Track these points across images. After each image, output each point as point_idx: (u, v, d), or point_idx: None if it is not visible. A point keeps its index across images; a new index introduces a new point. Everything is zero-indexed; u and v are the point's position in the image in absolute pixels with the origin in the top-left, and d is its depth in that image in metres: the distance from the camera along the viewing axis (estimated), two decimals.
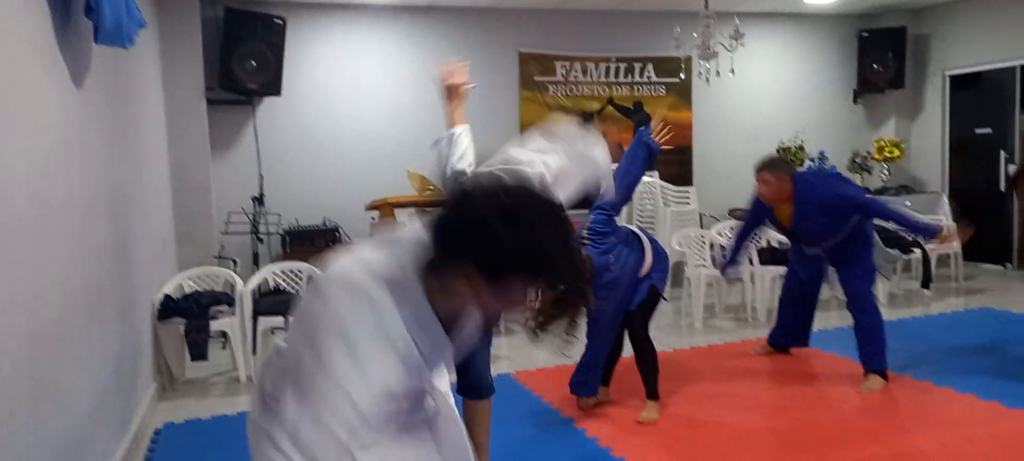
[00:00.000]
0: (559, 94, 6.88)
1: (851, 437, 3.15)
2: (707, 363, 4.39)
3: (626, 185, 3.35)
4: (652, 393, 3.49)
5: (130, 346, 3.46)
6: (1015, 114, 7.23)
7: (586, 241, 3.21)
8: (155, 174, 4.65)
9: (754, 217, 4.23)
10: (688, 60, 6.42)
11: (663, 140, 3.39)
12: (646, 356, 3.49)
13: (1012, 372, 3.95)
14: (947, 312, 5.56)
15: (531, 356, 4.58)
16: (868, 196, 4.36)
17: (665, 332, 5.21)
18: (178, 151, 5.31)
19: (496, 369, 4.31)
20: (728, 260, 4.40)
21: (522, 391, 3.95)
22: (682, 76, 6.78)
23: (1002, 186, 7.29)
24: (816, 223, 3.89)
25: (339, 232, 5.84)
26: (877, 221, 4.08)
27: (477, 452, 2.66)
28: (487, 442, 2.70)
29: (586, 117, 6.92)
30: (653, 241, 3.49)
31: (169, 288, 4.37)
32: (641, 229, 3.65)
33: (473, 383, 2.64)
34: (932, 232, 3.85)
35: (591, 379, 3.61)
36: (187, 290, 4.52)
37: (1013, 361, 4.18)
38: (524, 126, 6.75)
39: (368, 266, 1.30)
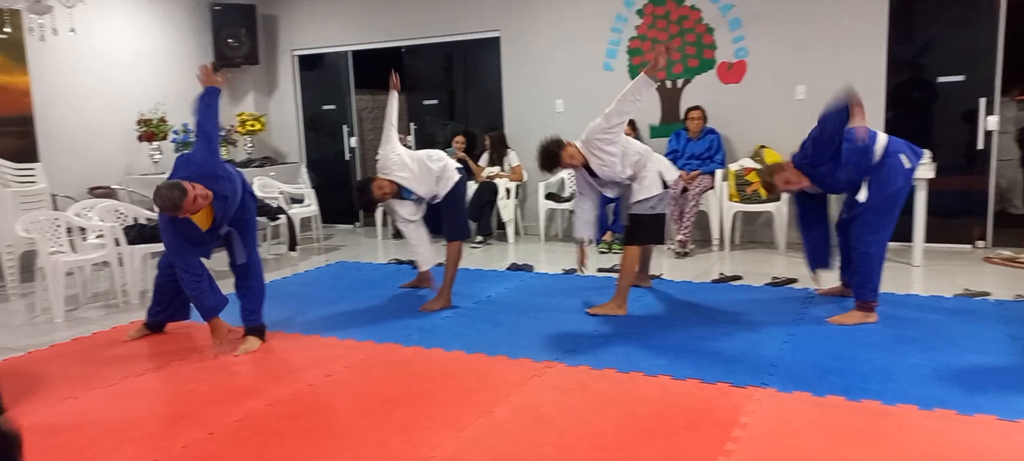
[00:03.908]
0: None
1: (233, 396, 3.21)
2: (72, 360, 3.87)
3: None
4: None
5: None
6: (350, 93, 8.47)
7: None
8: None
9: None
10: (16, 13, 5.45)
11: None
12: None
13: (356, 307, 4.64)
14: (312, 269, 6.19)
15: None
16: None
17: (18, 333, 4.41)
18: None
19: None
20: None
21: None
22: (9, 30, 5.71)
23: (347, 156, 8.47)
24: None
25: None
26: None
27: None
28: None
29: None
30: None
31: None
32: None
33: None
34: None
35: None
36: None
37: (359, 298, 4.91)
38: None
39: None
